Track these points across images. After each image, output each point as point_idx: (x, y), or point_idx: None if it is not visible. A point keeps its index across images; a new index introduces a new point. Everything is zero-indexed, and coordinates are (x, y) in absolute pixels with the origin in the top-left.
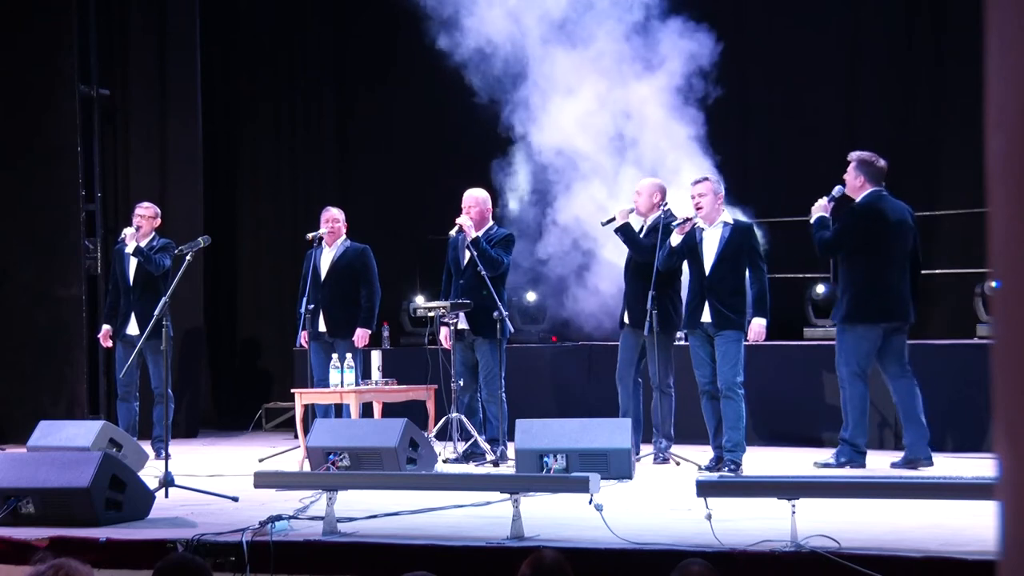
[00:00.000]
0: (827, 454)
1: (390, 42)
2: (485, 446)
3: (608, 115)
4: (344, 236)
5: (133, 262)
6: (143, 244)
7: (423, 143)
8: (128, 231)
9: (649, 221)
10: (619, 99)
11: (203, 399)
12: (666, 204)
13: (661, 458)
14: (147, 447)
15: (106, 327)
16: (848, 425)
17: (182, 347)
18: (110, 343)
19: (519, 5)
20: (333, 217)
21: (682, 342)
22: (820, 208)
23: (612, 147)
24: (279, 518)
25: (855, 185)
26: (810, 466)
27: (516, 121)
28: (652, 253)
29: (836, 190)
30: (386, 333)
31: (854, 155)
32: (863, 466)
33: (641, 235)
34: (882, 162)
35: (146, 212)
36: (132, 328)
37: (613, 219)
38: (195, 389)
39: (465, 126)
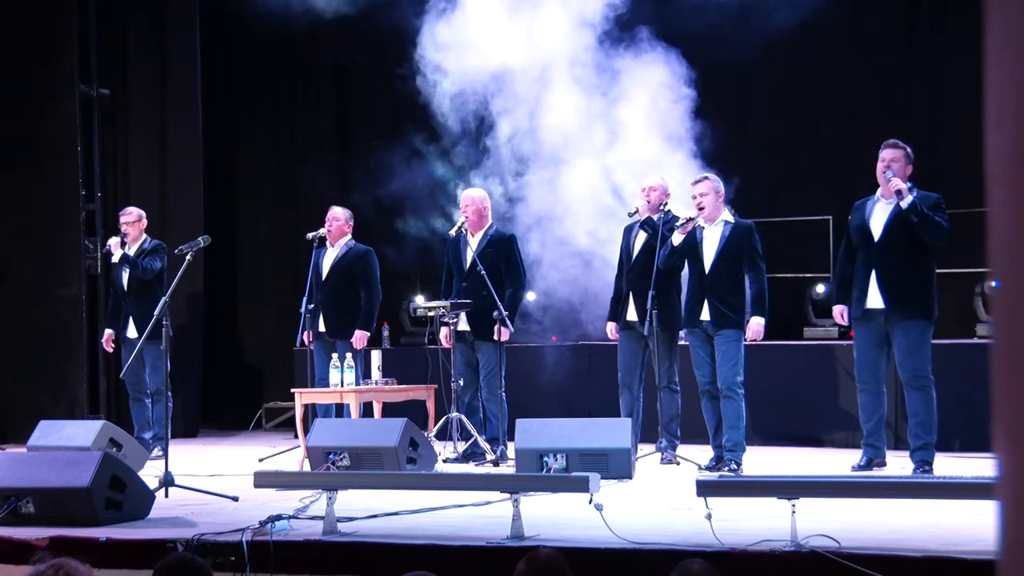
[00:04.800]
0: (825, 454)
1: (390, 41)
2: (485, 446)
3: (607, 115)
4: (349, 236)
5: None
6: (134, 249)
7: (423, 143)
8: (113, 241)
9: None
10: (618, 98)
11: (203, 398)
12: (667, 205)
13: (667, 458)
14: None
15: (108, 331)
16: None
17: (181, 347)
18: (112, 347)
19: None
20: (332, 216)
21: (682, 341)
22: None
23: (612, 147)
24: (279, 518)
25: (906, 173)
26: (809, 465)
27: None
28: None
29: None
30: (386, 333)
31: (899, 144)
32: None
33: (635, 233)
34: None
35: (129, 218)
36: (131, 331)
37: (636, 211)
38: (194, 389)
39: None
